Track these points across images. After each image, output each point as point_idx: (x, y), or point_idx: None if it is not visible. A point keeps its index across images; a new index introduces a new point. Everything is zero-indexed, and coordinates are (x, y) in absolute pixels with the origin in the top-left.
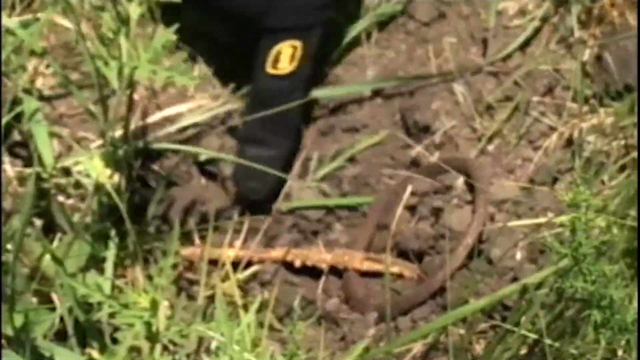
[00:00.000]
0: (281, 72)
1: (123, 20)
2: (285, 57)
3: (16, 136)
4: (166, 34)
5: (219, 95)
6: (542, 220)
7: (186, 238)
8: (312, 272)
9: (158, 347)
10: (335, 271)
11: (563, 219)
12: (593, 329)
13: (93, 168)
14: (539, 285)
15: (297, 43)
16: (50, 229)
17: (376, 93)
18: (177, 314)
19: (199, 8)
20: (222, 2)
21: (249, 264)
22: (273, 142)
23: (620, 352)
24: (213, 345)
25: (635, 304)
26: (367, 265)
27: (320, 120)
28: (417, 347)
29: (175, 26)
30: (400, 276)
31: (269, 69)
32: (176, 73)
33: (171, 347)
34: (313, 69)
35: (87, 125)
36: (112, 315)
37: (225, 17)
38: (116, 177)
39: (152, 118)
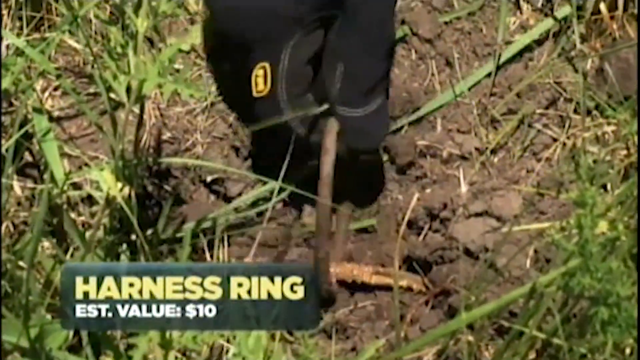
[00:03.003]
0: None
1: (130, 35)
2: (260, 79)
3: (27, 157)
4: (173, 48)
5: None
6: (545, 225)
7: (196, 252)
8: None
9: (172, 355)
10: (344, 285)
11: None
12: (600, 327)
13: (104, 181)
14: (547, 288)
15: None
16: (64, 247)
17: None
18: None
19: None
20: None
21: None
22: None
23: (627, 350)
24: (230, 354)
25: None
26: (375, 279)
27: None
28: (427, 357)
29: (182, 41)
30: (408, 289)
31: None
32: (183, 86)
33: (184, 355)
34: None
35: (97, 145)
36: None
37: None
38: (126, 190)
39: (163, 136)
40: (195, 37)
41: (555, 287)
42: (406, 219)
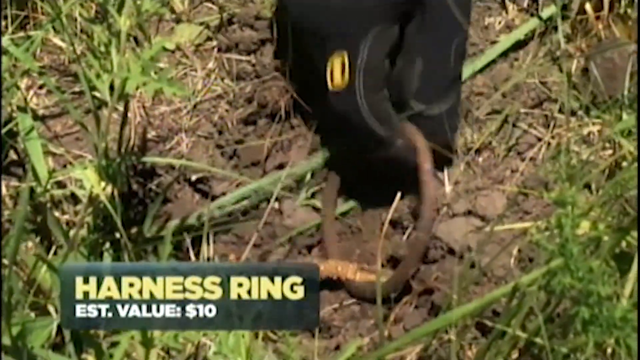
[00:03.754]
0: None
1: (114, 33)
2: (337, 72)
3: (12, 155)
4: (156, 46)
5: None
6: (528, 224)
7: (181, 251)
8: None
9: (154, 353)
10: (329, 282)
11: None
12: (581, 327)
13: (87, 178)
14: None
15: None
16: (47, 245)
17: None
18: None
19: None
20: None
21: None
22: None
23: (609, 350)
24: (210, 352)
25: (623, 301)
26: (360, 276)
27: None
28: (410, 356)
29: (166, 40)
30: None
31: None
32: (166, 84)
33: (167, 354)
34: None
35: (82, 143)
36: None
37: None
38: (109, 189)
39: (148, 135)
40: (180, 35)
41: (537, 286)
42: (388, 217)
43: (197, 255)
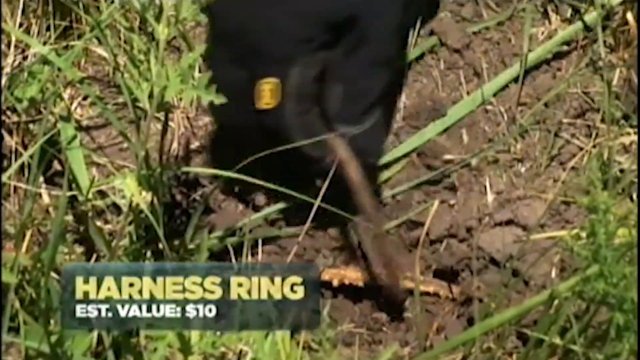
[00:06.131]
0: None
1: (153, 42)
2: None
3: (56, 166)
4: (194, 54)
5: None
6: (565, 232)
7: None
8: (349, 290)
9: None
10: (372, 290)
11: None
12: (616, 333)
13: (127, 187)
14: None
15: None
16: (90, 255)
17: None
18: None
19: None
20: None
21: None
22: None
23: None
24: (248, 359)
25: None
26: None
27: None
28: None
29: (203, 46)
30: (435, 295)
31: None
32: (203, 92)
33: None
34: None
35: (125, 154)
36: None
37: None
38: (149, 197)
39: (191, 146)
40: None
41: (572, 293)
42: (426, 227)
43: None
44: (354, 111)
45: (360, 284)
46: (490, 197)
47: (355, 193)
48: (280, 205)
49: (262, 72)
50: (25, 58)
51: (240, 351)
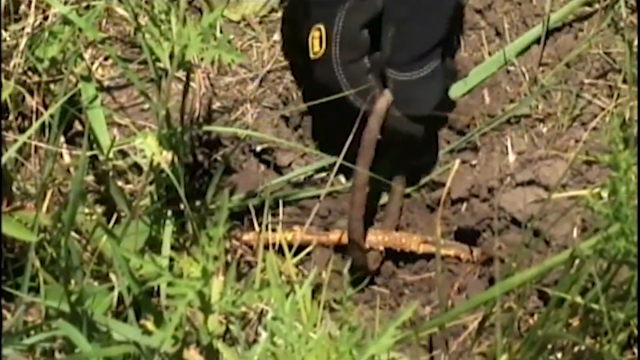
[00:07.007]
0: (317, 56)
1: (174, 2)
2: (316, 41)
3: (77, 126)
4: (215, 14)
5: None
6: (586, 192)
7: (248, 224)
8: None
9: (213, 319)
10: (393, 253)
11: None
12: (637, 292)
13: (147, 147)
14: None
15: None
16: (111, 215)
17: None
18: (229, 284)
19: None
20: None
21: (306, 246)
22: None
23: None
24: (268, 317)
25: None
26: (423, 248)
27: None
28: (472, 325)
29: (225, 7)
30: (456, 258)
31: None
32: (224, 51)
33: (225, 319)
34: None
35: (147, 114)
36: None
37: None
38: (169, 156)
39: (213, 106)
40: (245, 7)
41: (593, 252)
42: (447, 187)
43: (260, 225)
44: (406, 56)
45: (381, 248)
46: (511, 157)
47: (360, 147)
48: (304, 168)
49: (313, 18)
50: (46, 18)
51: (262, 310)
